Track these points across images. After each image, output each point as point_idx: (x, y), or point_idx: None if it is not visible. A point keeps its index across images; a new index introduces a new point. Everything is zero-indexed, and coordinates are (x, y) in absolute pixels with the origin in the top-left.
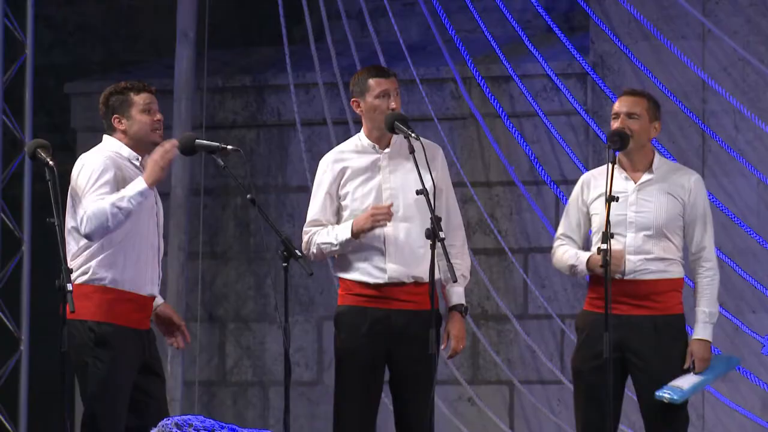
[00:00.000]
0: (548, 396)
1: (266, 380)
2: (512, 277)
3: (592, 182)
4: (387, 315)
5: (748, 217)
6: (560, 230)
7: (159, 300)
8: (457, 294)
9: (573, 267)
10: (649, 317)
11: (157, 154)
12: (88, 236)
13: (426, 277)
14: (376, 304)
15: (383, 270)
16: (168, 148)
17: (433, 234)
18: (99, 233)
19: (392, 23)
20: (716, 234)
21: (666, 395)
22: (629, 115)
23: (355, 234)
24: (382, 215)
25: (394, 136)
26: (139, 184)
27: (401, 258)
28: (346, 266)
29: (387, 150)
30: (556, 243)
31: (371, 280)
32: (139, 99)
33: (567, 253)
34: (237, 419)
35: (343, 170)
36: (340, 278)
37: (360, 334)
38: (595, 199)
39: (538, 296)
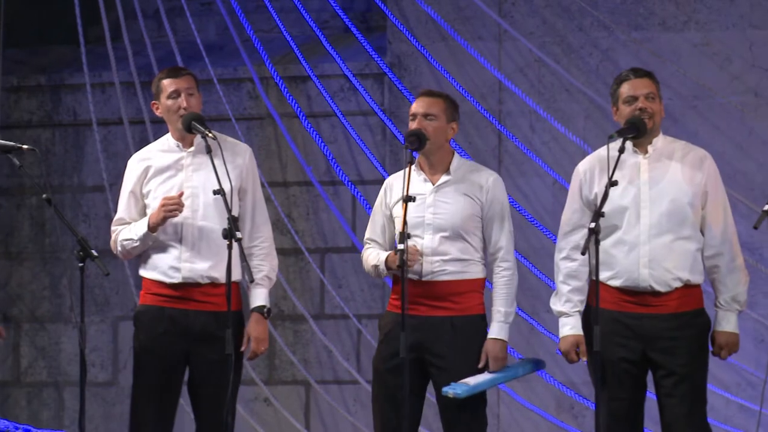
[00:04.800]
0: (344, 396)
1: (61, 381)
2: (309, 277)
3: (394, 185)
4: (184, 315)
5: (544, 217)
6: (367, 234)
7: None
8: (258, 296)
9: (376, 267)
10: (446, 318)
11: None
12: None
13: (224, 279)
14: (173, 304)
15: (177, 269)
16: None
17: (230, 234)
18: None
19: (190, 23)
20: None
21: (450, 392)
22: (426, 116)
23: (151, 228)
24: (173, 205)
25: (198, 136)
26: None
27: (198, 257)
28: (146, 265)
29: (191, 149)
30: (364, 247)
31: (167, 280)
32: None
33: (371, 254)
34: (31, 420)
35: (146, 169)
36: (142, 277)
37: (157, 334)
38: (397, 202)
39: (335, 296)
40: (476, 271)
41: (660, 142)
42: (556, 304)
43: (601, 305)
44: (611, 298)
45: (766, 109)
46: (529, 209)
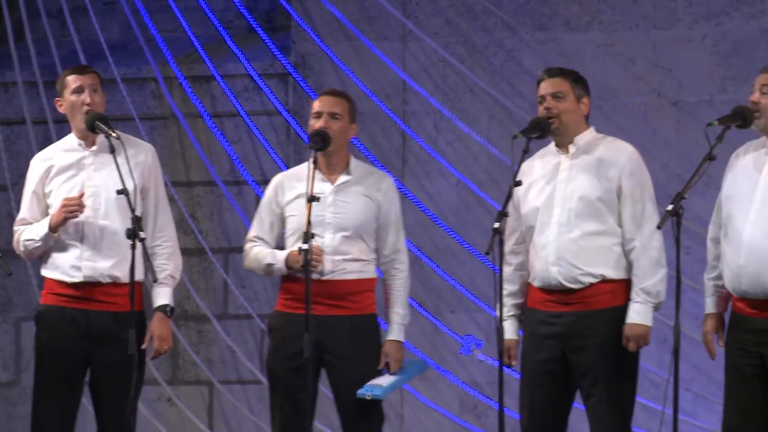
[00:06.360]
0: (248, 396)
1: None
2: (212, 276)
3: (286, 184)
4: (85, 315)
5: (448, 217)
6: (253, 232)
7: None
8: (161, 294)
9: (270, 266)
10: (345, 317)
11: None
12: None
13: (126, 278)
14: (74, 304)
15: (78, 268)
16: None
17: (133, 234)
18: None
19: (93, 22)
20: (417, 234)
21: (368, 394)
22: (332, 116)
23: (52, 228)
24: (73, 206)
25: (101, 134)
26: None
27: (99, 257)
28: (48, 264)
29: (94, 147)
30: (249, 244)
31: (68, 279)
32: None
33: (262, 252)
34: None
35: (48, 169)
36: (44, 277)
37: (59, 334)
38: (292, 200)
39: (239, 296)
40: (370, 271)
41: (585, 139)
42: (495, 309)
43: (531, 306)
44: (538, 298)
45: (669, 110)
46: (434, 209)
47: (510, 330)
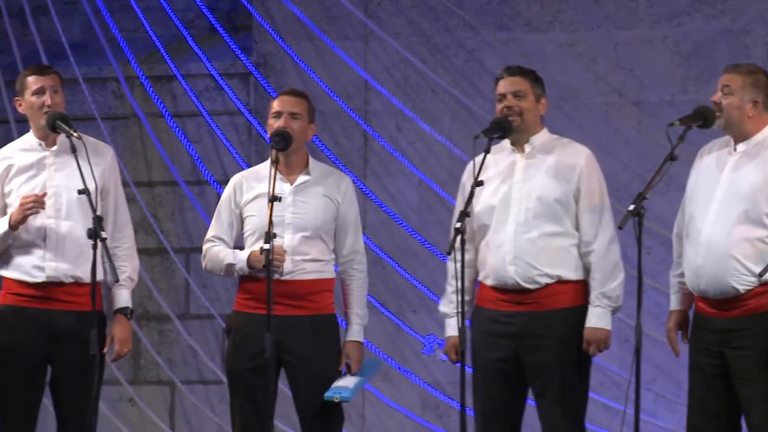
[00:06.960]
0: (209, 396)
1: None
2: (174, 276)
3: (245, 184)
4: (47, 315)
5: (410, 217)
6: (211, 232)
7: None
8: (121, 297)
9: (231, 266)
10: (305, 317)
11: None
12: None
13: (87, 278)
14: (35, 303)
15: (41, 268)
16: None
17: (95, 234)
18: None
19: (54, 21)
20: (378, 234)
21: (336, 396)
22: (292, 115)
23: (12, 226)
24: (32, 203)
25: (62, 134)
26: None
27: (61, 257)
28: (7, 264)
29: (54, 148)
30: (208, 244)
31: (30, 279)
32: None
33: (222, 252)
34: None
35: (8, 168)
36: (2, 277)
37: (19, 334)
38: (251, 200)
39: (200, 296)
40: (329, 271)
41: (540, 139)
42: (441, 306)
43: (481, 304)
44: (490, 297)
45: (630, 110)
46: (395, 209)
47: (456, 326)
